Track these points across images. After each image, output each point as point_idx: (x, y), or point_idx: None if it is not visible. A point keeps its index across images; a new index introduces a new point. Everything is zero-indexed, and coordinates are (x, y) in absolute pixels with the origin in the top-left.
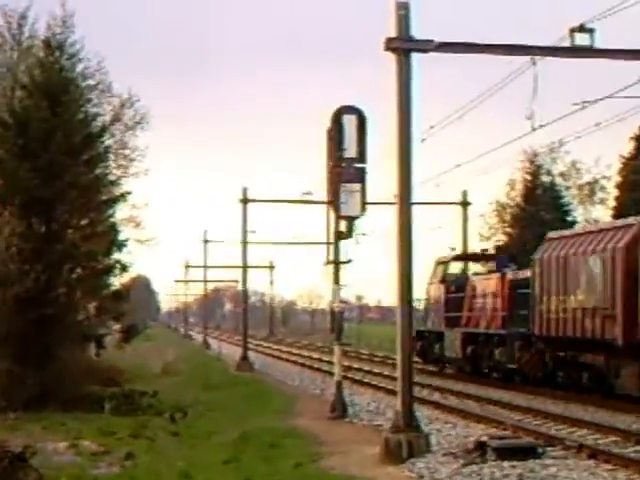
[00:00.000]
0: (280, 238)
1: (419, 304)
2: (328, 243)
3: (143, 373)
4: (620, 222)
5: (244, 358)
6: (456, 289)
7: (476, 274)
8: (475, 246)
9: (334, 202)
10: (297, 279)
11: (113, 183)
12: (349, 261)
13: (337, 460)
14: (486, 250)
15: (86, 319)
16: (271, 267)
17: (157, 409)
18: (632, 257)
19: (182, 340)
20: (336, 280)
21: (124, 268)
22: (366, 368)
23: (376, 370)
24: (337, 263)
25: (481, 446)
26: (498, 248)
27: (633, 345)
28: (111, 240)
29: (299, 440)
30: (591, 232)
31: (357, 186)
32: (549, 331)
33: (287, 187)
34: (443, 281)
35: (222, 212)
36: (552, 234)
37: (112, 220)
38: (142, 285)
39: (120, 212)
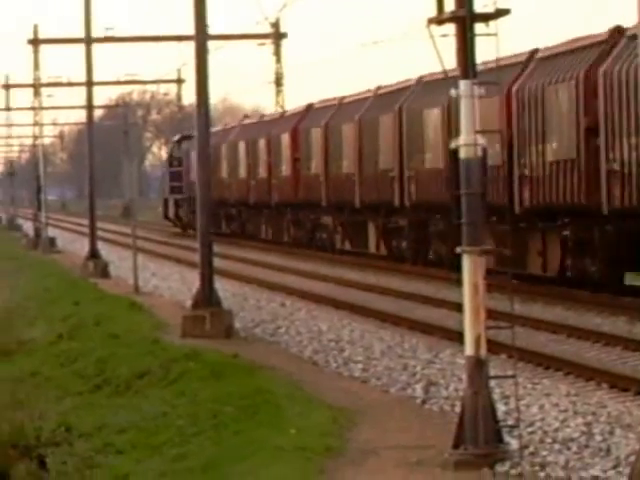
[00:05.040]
0: None
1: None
2: None
3: None
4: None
5: (203, 298)
6: (178, 164)
7: None
8: None
9: None
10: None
11: None
12: (502, 12)
13: None
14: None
15: None
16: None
17: None
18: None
19: (26, 254)
20: (464, 69)
21: None
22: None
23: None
24: (468, 20)
25: None
26: None
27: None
28: None
29: None
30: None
31: None
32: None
33: None
34: (170, 157)
35: None
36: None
37: None
38: None
39: None
